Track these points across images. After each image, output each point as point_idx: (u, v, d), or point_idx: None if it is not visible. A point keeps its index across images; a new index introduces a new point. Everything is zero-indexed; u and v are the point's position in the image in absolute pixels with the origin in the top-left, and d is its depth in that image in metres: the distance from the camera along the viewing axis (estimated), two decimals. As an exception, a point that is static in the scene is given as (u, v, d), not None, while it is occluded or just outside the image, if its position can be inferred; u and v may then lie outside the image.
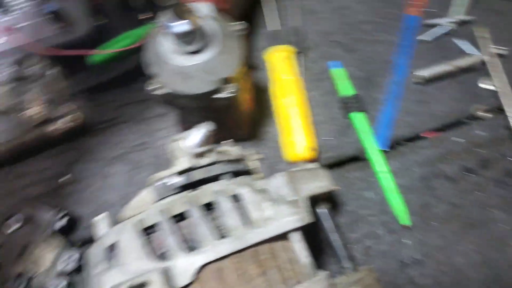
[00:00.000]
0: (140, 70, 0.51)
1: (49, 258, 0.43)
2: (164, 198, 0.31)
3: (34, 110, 0.50)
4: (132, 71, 0.51)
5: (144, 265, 0.28)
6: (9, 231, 0.44)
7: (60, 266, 0.43)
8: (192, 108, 0.39)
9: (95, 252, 0.31)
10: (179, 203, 0.30)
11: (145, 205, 0.38)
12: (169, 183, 0.31)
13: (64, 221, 0.44)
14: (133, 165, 0.49)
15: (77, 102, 0.50)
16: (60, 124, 0.49)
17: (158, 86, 0.37)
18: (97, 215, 0.46)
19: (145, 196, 0.38)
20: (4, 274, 0.43)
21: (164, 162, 0.48)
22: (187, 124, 0.46)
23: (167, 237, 0.29)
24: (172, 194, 0.31)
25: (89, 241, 0.46)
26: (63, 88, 0.48)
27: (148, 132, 0.50)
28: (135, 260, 0.28)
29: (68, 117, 0.49)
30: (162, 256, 0.29)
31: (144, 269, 0.28)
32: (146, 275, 0.26)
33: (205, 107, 0.38)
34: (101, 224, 0.36)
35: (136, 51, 0.50)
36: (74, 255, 0.43)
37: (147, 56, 0.38)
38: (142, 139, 0.50)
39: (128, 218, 0.35)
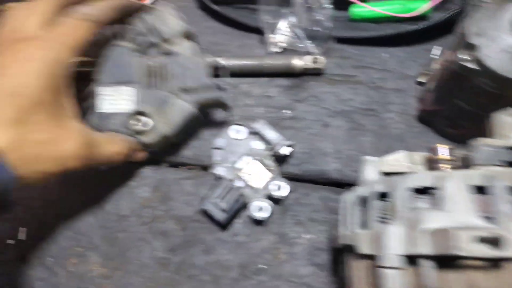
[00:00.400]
0: (395, 41, 0.51)
1: (264, 177, 0.43)
2: (485, 165, 0.30)
3: (282, 38, 0.50)
4: (388, 39, 0.50)
5: (471, 220, 0.26)
6: (233, 136, 0.45)
7: (270, 190, 0.43)
8: (483, 92, 0.37)
9: (402, 187, 0.30)
10: (509, 176, 0.28)
11: (399, 165, 0.37)
12: (495, 152, 0.30)
13: (287, 150, 0.44)
14: (355, 125, 0.48)
15: (324, 47, 0.50)
16: (304, 61, 0.49)
17: (470, 59, 0.36)
18: (310, 157, 0.46)
19: (401, 157, 0.37)
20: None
21: (386, 135, 0.47)
22: (440, 105, 0.44)
23: (500, 203, 0.27)
24: (497, 165, 0.30)
25: (292, 178, 0.45)
26: (324, 27, 0.49)
27: (379, 100, 0.49)
28: (461, 211, 0.27)
29: (312, 57, 0.49)
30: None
31: (472, 224, 0.26)
32: (498, 231, 0.25)
33: (503, 96, 0.36)
34: (370, 166, 0.35)
35: (400, 20, 0.49)
36: (284, 185, 0.43)
37: (473, 24, 0.36)
38: (371, 105, 0.49)
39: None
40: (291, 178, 0.46)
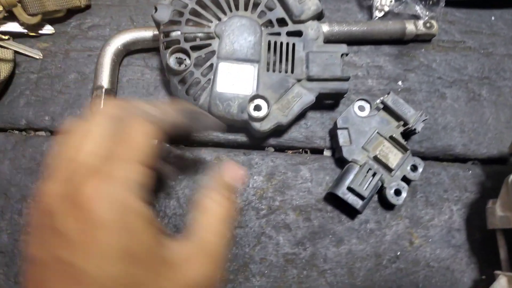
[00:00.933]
0: (504, 2, 0.47)
1: (396, 159, 0.39)
2: None
3: (388, 1, 0.45)
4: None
5: None
6: (358, 114, 0.40)
7: (407, 170, 0.39)
8: None
9: None
10: None
11: None
12: None
13: (421, 126, 0.40)
14: (472, 95, 0.44)
15: (436, 10, 0.45)
16: (417, 26, 0.44)
17: None
18: (433, 133, 0.43)
19: None
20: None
21: (506, 104, 0.44)
22: None
23: None
24: None
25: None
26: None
27: (492, 68, 0.46)
28: None
29: (425, 22, 0.44)
30: None
31: None
32: None
33: None
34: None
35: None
36: (420, 163, 0.39)
37: None
38: (485, 72, 0.45)
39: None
40: (414, 156, 0.42)
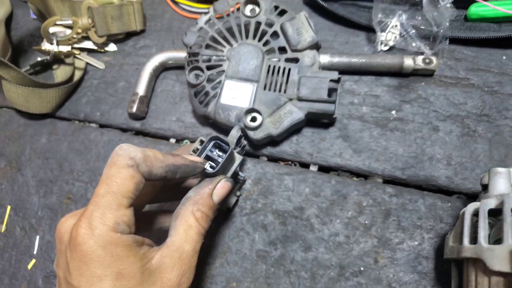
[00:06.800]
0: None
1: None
2: None
3: (392, 36, 0.49)
4: (509, 40, 0.46)
5: None
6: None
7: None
8: None
9: None
10: None
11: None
12: None
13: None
14: (467, 131, 0.45)
15: (436, 47, 0.47)
16: (416, 61, 0.47)
17: None
18: (417, 162, 0.45)
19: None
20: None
21: (502, 143, 0.44)
22: None
23: None
24: None
25: (397, 182, 0.44)
26: (439, 27, 0.46)
27: (494, 106, 0.46)
28: None
29: (424, 58, 0.47)
30: None
31: None
32: None
33: None
34: (501, 177, 0.33)
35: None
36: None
37: None
38: (485, 110, 0.46)
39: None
40: (396, 182, 0.45)
